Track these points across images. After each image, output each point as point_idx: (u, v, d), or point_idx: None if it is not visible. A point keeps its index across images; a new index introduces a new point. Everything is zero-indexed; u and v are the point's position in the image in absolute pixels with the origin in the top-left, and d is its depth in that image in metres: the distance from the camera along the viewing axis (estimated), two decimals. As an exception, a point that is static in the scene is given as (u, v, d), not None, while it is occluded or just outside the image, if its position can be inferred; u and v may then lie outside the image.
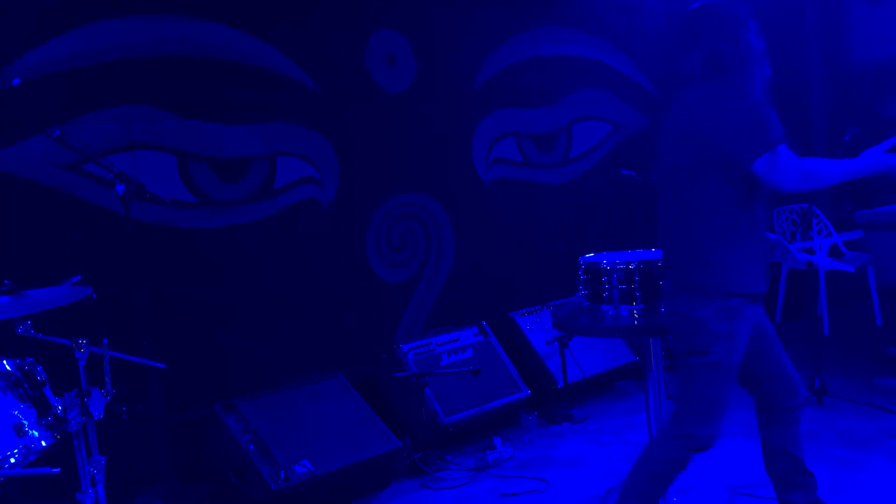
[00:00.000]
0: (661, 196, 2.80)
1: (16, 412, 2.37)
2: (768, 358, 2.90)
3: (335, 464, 3.66)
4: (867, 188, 7.05)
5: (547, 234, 5.46)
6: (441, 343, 4.54)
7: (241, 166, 4.17)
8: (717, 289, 2.60)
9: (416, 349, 4.42)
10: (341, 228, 4.55)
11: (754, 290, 2.68)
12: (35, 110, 3.51)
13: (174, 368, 3.07)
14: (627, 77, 5.95)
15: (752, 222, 2.65)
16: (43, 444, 2.40)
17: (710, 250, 2.60)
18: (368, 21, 4.64)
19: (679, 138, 2.69)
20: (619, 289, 2.98)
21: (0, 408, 2.35)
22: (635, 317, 2.94)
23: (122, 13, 3.77)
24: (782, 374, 2.90)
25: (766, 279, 2.72)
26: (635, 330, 3.07)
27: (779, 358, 2.93)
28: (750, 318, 2.71)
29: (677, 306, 2.67)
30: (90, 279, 2.74)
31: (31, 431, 2.37)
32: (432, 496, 3.80)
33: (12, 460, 2.31)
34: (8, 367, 2.42)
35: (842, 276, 5.88)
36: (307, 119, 4.40)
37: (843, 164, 2.62)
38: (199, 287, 4.02)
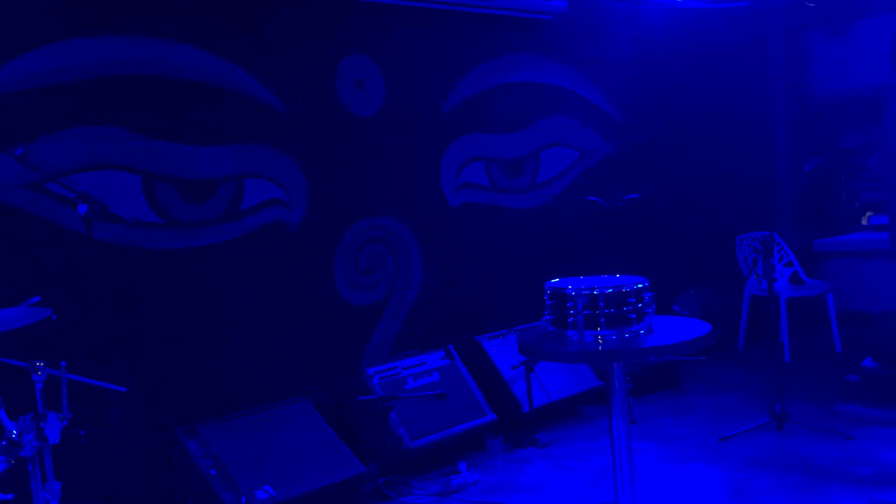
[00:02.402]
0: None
1: (-31, 436, 2.32)
2: None
3: (298, 489, 3.62)
4: (827, 217, 7.21)
5: (514, 258, 5.49)
6: (407, 367, 4.52)
7: (207, 187, 4.15)
8: None
9: (382, 373, 4.40)
10: (308, 251, 4.54)
11: None
12: (-2, 128, 3.47)
13: (135, 392, 3.03)
14: (594, 105, 6.04)
15: None
16: (-4, 468, 2.35)
17: None
18: (338, 46, 4.66)
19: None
20: (584, 314, 2.99)
21: (-48, 432, 2.30)
22: (600, 342, 2.95)
23: (94, 32, 3.74)
24: None
25: None
26: (600, 355, 3.09)
27: None
28: None
29: None
30: (50, 300, 2.70)
31: (-17, 456, 2.32)
32: (396, 522, 3.77)
33: (-36, 486, 2.25)
34: (-39, 390, 2.36)
35: (802, 302, 6.00)
36: (275, 141, 4.39)
37: None
38: (162, 309, 3.97)
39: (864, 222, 6.61)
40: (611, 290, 2.96)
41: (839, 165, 7.43)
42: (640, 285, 3.00)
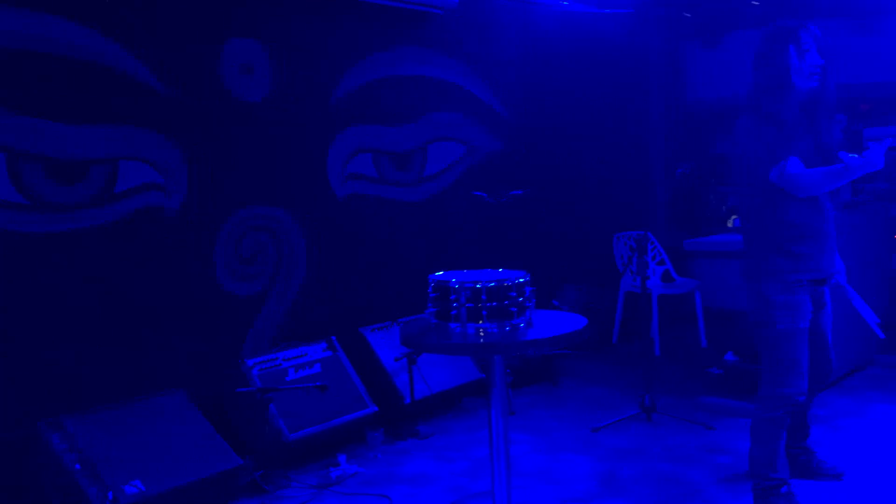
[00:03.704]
0: (739, 202, 3.58)
1: None
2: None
3: (170, 483, 3.51)
4: (696, 219, 7.60)
5: (400, 250, 5.50)
6: (288, 358, 4.46)
7: (79, 169, 3.95)
8: (783, 271, 3.23)
9: (262, 364, 4.33)
10: (188, 238, 4.39)
11: (812, 275, 3.28)
12: None
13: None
14: (483, 101, 6.12)
15: (811, 221, 3.26)
16: None
17: (777, 243, 3.25)
18: (224, 28, 4.53)
19: (737, 159, 3.37)
20: (467, 307, 3.04)
21: None
22: (481, 335, 3.01)
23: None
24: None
25: (824, 266, 3.33)
26: (481, 348, 3.15)
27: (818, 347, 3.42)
28: (809, 295, 3.30)
29: (753, 287, 3.31)
30: None
31: None
32: (273, 515, 3.73)
33: None
34: None
35: (673, 299, 6.30)
36: (155, 123, 4.22)
37: (833, 171, 3.11)
38: (26, 295, 3.76)
39: (729, 224, 7.01)
40: (493, 284, 3.02)
41: (709, 170, 7.84)
42: (521, 280, 3.07)
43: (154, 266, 4.25)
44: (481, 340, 3.00)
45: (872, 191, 5.23)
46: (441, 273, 3.21)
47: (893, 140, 3.25)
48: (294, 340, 4.67)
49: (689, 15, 7.34)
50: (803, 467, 3.68)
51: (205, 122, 4.44)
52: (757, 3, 6.63)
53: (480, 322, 3.02)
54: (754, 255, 3.35)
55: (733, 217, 7.02)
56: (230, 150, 4.57)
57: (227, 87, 4.55)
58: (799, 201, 3.24)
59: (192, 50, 4.38)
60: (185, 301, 4.37)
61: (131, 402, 3.83)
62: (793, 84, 3.22)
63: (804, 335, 3.29)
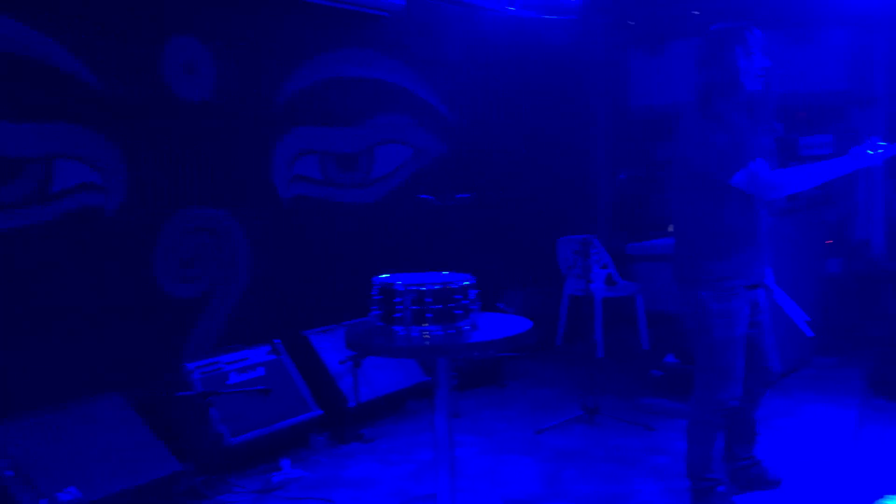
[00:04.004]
0: (675, 206, 3.48)
1: None
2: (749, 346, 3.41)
3: (107, 490, 3.43)
4: (639, 223, 7.74)
5: (346, 253, 5.47)
6: (230, 362, 4.39)
7: (12, 167, 3.82)
8: (719, 277, 3.24)
9: (204, 368, 4.25)
10: (127, 239, 4.29)
11: (748, 280, 3.31)
12: None
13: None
14: (430, 105, 6.13)
15: (747, 227, 3.28)
16: None
17: (714, 248, 3.25)
18: (165, 25, 4.44)
19: (679, 162, 3.34)
20: (412, 310, 3.04)
21: None
22: (426, 338, 3.01)
23: None
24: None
25: (758, 272, 3.37)
26: (426, 350, 3.15)
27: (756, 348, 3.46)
28: (746, 302, 3.31)
29: (689, 293, 3.30)
30: None
31: None
32: (213, 521, 3.66)
33: None
34: None
35: (615, 302, 6.40)
36: (93, 122, 4.12)
37: (805, 170, 3.20)
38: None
39: (670, 229, 7.14)
40: (438, 287, 3.03)
41: (651, 175, 7.99)
42: (466, 283, 3.08)
43: (91, 267, 4.14)
44: (426, 343, 3.00)
45: (806, 197, 5.39)
46: (386, 276, 3.21)
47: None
48: (237, 344, 4.60)
49: (632, 23, 7.48)
50: (756, 479, 3.68)
51: (146, 120, 4.35)
52: (698, 13, 6.79)
53: (425, 325, 3.02)
54: (691, 259, 3.34)
55: (674, 222, 7.16)
56: (172, 150, 4.48)
57: (170, 86, 4.46)
58: (739, 207, 3.24)
59: (133, 47, 4.28)
60: (124, 303, 4.27)
61: (67, 407, 3.73)
62: (741, 84, 3.20)
63: (741, 342, 3.31)
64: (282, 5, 5.00)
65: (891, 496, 3.51)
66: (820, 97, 6.72)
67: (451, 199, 5.28)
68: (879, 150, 3.07)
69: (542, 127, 7.05)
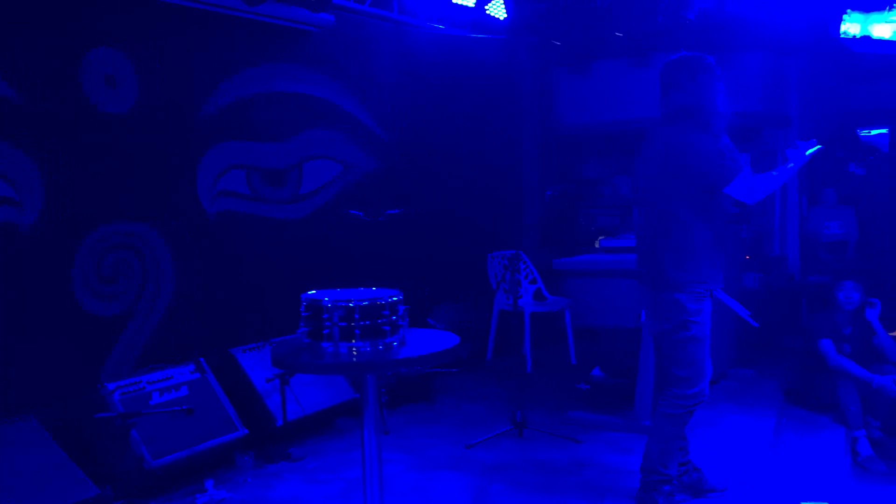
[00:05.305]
0: (644, 213, 3.66)
1: None
2: None
3: (19, 518, 3.28)
4: (566, 239, 7.87)
5: (274, 269, 5.39)
6: (153, 381, 4.27)
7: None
8: (696, 280, 3.46)
9: (125, 388, 4.12)
10: (44, 255, 4.14)
11: (717, 284, 3.55)
12: None
13: None
14: (359, 121, 6.12)
15: (721, 234, 3.54)
16: None
17: (695, 254, 3.46)
18: (85, 36, 4.32)
19: (659, 170, 3.50)
20: (340, 326, 3.01)
21: None
22: (354, 354, 2.99)
23: None
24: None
25: (723, 276, 3.59)
26: (354, 367, 3.12)
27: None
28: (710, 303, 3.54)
29: (666, 297, 3.48)
30: None
31: None
32: (133, 547, 3.54)
33: None
34: None
35: (544, 317, 6.48)
36: (7, 134, 3.97)
37: (770, 176, 3.43)
38: None
39: (596, 245, 7.29)
40: (366, 303, 3.01)
41: (578, 193, 8.14)
42: (395, 298, 3.07)
43: (4, 284, 3.98)
44: (354, 360, 2.97)
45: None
46: (314, 292, 3.17)
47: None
48: (160, 362, 4.48)
49: (558, 43, 7.63)
50: (694, 486, 3.82)
51: (64, 133, 4.22)
52: (621, 35, 6.98)
53: (353, 341, 2.99)
54: (674, 265, 3.49)
55: (600, 238, 7.31)
56: (92, 164, 4.36)
57: (89, 98, 4.34)
58: (719, 217, 3.51)
59: (51, 59, 4.16)
60: (39, 321, 4.12)
61: (-24, 432, 3.56)
62: (718, 104, 3.50)
63: (708, 341, 3.56)
64: (208, 19, 4.92)
65: (808, 502, 3.65)
66: (737, 118, 6.97)
67: (382, 215, 5.27)
68: (811, 150, 3.45)
69: (472, 143, 7.12)
